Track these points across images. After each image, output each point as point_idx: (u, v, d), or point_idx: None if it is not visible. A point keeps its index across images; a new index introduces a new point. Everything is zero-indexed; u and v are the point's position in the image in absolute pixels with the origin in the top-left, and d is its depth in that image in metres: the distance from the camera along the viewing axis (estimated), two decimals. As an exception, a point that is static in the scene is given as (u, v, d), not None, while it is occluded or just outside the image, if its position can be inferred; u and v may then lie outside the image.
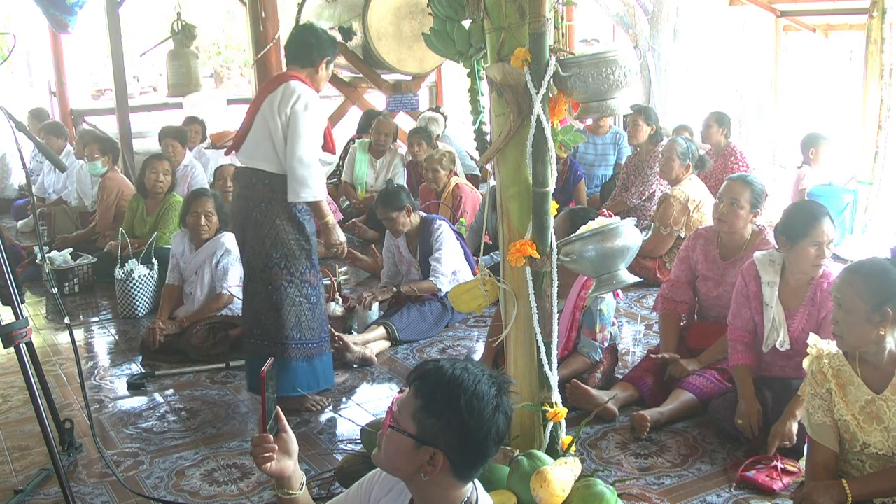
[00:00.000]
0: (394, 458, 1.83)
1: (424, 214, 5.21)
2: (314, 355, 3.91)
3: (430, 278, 4.96)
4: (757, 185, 3.94)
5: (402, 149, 8.18)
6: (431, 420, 1.79)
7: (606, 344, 4.00)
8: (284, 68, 4.05)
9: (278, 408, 1.99)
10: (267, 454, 1.93)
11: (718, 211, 3.97)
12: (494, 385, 1.84)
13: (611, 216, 3.92)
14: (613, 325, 4.07)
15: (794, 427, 3.23)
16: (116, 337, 5.19)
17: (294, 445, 1.99)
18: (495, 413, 1.82)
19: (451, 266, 5.04)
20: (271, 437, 1.94)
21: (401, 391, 1.89)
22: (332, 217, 3.90)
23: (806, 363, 2.81)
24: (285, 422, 1.98)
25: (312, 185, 3.68)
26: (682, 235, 5.44)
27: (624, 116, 7.53)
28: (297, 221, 3.78)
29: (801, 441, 3.13)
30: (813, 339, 2.83)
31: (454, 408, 1.78)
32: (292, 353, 3.83)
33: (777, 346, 3.45)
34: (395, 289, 5.01)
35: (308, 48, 3.84)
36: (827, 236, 3.34)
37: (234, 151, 3.95)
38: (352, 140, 8.43)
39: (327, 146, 3.85)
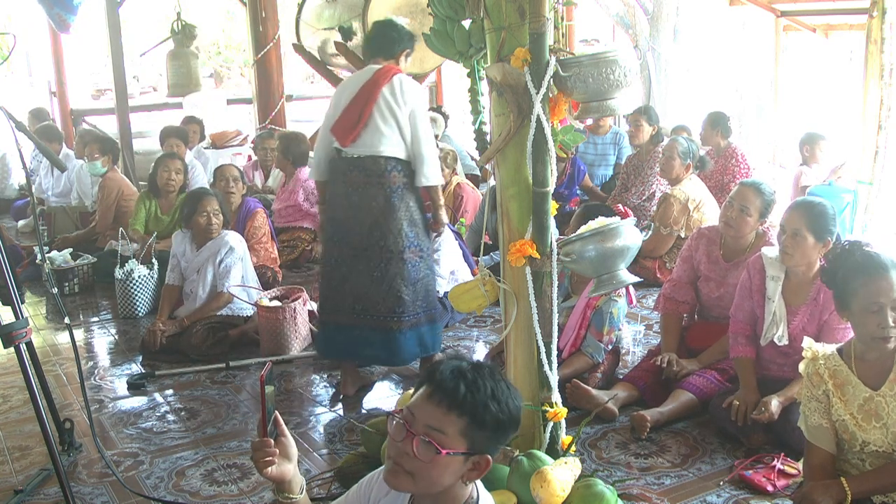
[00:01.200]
0: (440, 478, 1.82)
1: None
2: (437, 319, 4.23)
3: None
4: (768, 195, 3.93)
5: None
6: (482, 433, 1.82)
7: (611, 347, 4.00)
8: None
9: (277, 412, 1.97)
10: (268, 458, 1.91)
11: (726, 215, 3.96)
12: (504, 380, 1.90)
13: (627, 213, 3.92)
14: (621, 328, 4.07)
15: (778, 407, 3.31)
16: (116, 337, 5.19)
17: (293, 449, 1.97)
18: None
19: (449, 267, 5.03)
20: (272, 441, 1.92)
21: (395, 412, 1.87)
22: (443, 199, 4.26)
23: (801, 367, 2.81)
24: (284, 426, 1.97)
25: (438, 171, 4.08)
26: (683, 235, 5.44)
27: (625, 116, 7.53)
28: (421, 203, 4.13)
29: (801, 442, 3.13)
30: (807, 342, 2.82)
31: (504, 417, 1.84)
32: (436, 317, 4.20)
33: (775, 340, 3.47)
34: None
35: (390, 42, 4.11)
36: (789, 225, 3.36)
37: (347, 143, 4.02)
38: None
39: None
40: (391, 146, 3.93)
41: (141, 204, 6.25)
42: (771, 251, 3.58)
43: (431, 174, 3.99)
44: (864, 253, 2.69)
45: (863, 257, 2.66)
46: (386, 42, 4.10)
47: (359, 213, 3.99)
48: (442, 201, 4.22)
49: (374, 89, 3.92)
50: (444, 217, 4.25)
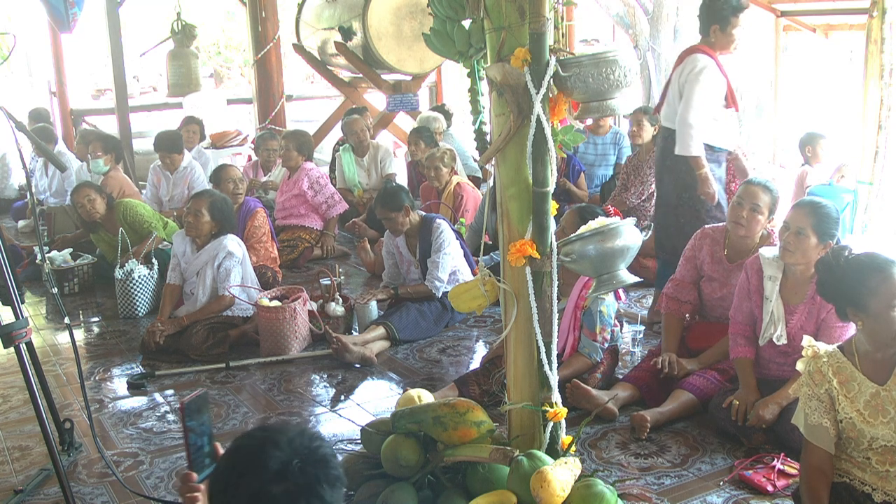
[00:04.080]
0: None
1: (424, 214, 5.21)
2: None
3: (427, 284, 4.95)
4: (775, 192, 3.93)
5: (402, 148, 8.19)
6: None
7: (607, 345, 4.00)
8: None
9: (216, 443, 1.74)
10: (191, 495, 1.64)
11: (736, 215, 3.93)
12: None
13: (617, 213, 3.92)
14: (616, 326, 4.07)
15: (775, 411, 3.34)
16: (116, 337, 5.19)
17: None
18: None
19: (452, 267, 5.03)
20: (195, 475, 1.66)
21: None
22: (706, 170, 4.61)
23: (800, 365, 2.80)
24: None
25: (689, 144, 4.53)
26: (682, 233, 5.45)
27: (626, 116, 7.52)
28: (687, 168, 4.63)
29: (801, 442, 3.13)
30: (807, 340, 2.81)
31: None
32: None
33: (774, 339, 3.48)
34: (392, 291, 5.00)
35: (702, 20, 4.72)
36: (794, 223, 3.38)
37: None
38: (337, 146, 8.46)
39: (729, 104, 4.68)
40: (672, 120, 4.62)
41: (99, 242, 6.13)
42: (769, 251, 3.58)
43: (682, 146, 4.53)
44: (865, 254, 2.67)
45: (866, 257, 2.64)
46: (701, 21, 4.69)
47: (658, 175, 4.96)
48: (703, 171, 4.58)
49: (674, 70, 4.68)
50: (709, 187, 4.60)
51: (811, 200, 3.48)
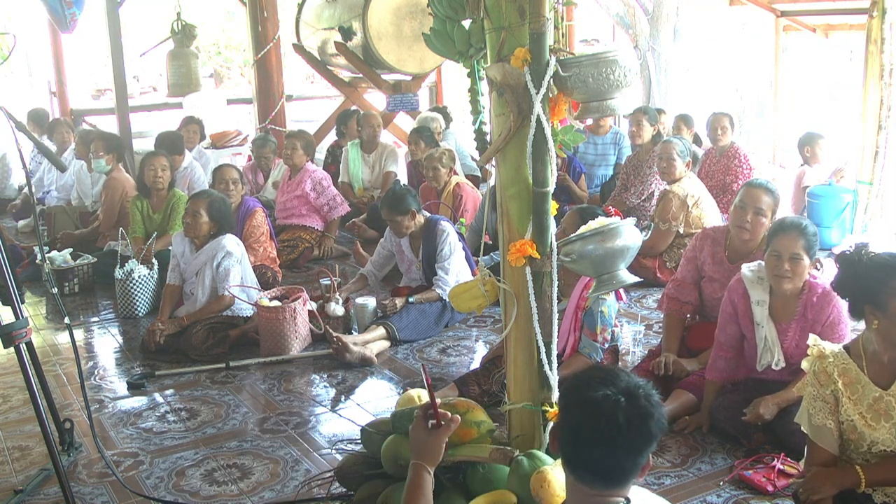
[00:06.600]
0: None
1: (429, 215, 5.20)
2: None
3: (436, 289, 4.95)
4: (776, 193, 3.92)
5: (402, 148, 8.19)
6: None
7: (608, 345, 4.00)
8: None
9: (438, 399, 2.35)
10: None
11: (741, 219, 3.90)
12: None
13: (618, 213, 3.92)
14: (616, 326, 4.07)
15: (773, 411, 3.32)
16: (116, 337, 5.20)
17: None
18: None
19: (457, 268, 5.03)
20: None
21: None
22: None
23: (806, 364, 2.79)
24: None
25: None
26: (681, 231, 5.45)
27: (626, 116, 7.53)
28: None
29: (802, 443, 3.13)
30: (813, 339, 2.81)
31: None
32: None
33: (773, 366, 3.43)
34: (410, 300, 4.99)
35: None
36: (787, 250, 3.27)
37: None
38: (338, 146, 8.47)
39: None
40: None
41: (134, 208, 6.17)
42: (749, 270, 3.51)
43: None
44: (888, 253, 2.64)
45: (890, 257, 2.60)
46: None
47: None
48: None
49: None
50: None
51: (794, 222, 3.37)
